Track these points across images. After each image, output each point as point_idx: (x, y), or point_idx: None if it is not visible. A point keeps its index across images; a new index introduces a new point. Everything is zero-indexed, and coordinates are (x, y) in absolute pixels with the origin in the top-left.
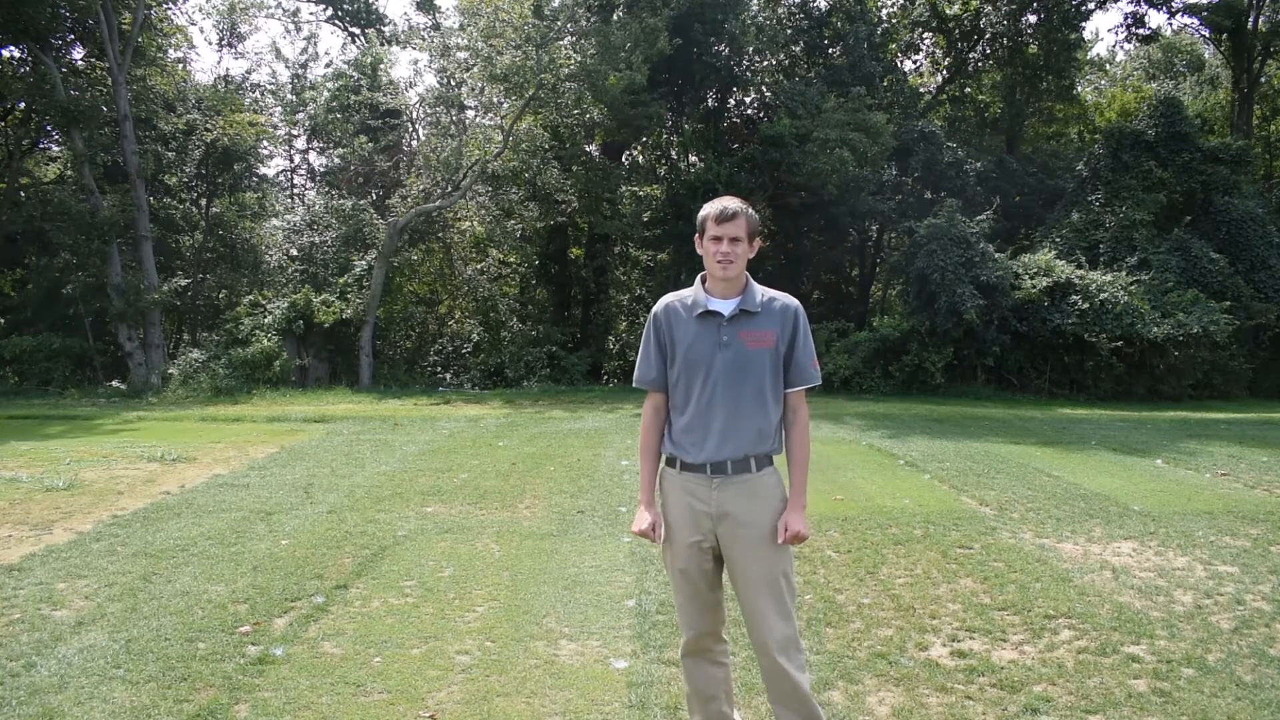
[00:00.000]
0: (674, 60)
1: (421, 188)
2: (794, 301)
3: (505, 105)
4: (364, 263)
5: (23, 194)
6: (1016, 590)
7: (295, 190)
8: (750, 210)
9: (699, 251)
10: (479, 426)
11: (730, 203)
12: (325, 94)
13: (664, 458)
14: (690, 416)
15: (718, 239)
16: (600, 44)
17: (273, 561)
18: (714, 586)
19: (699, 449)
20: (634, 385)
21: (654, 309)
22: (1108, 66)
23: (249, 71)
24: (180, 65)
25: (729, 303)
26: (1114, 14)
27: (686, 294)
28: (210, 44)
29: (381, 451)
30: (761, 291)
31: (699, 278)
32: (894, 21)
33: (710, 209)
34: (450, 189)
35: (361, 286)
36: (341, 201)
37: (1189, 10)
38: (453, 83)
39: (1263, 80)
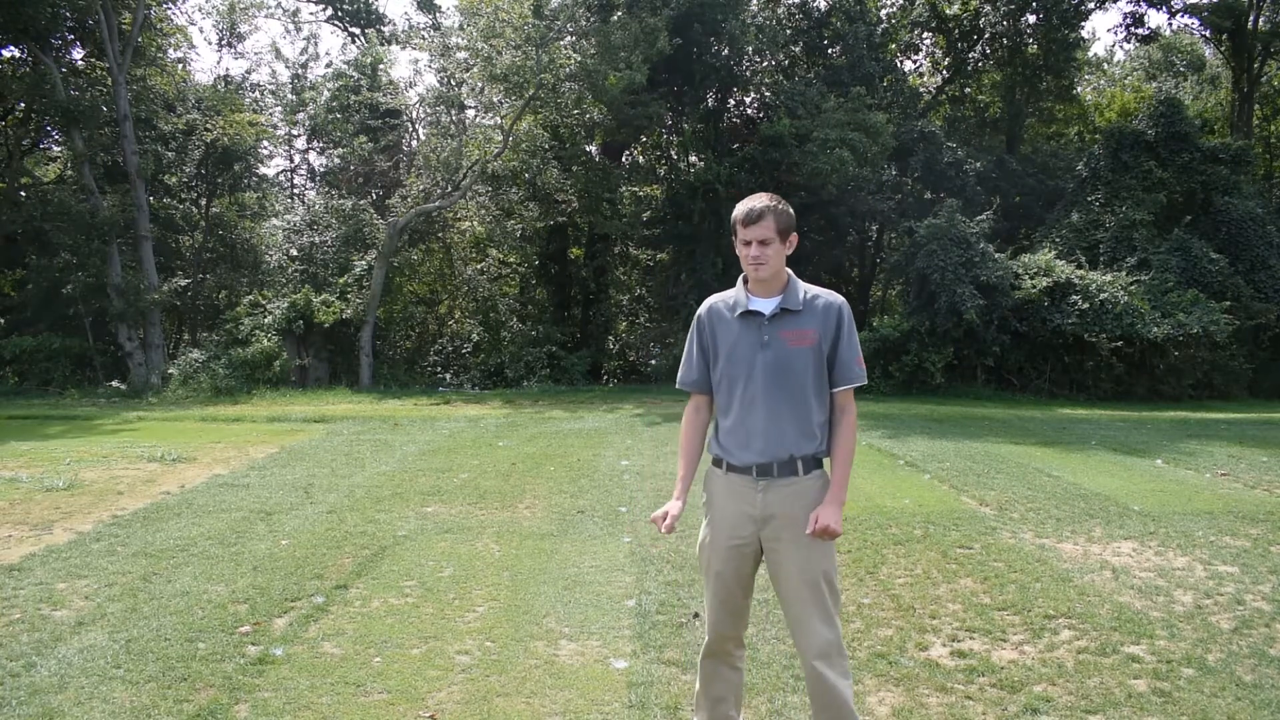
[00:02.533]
0: (674, 60)
1: (421, 188)
2: (838, 299)
3: (505, 105)
4: (364, 263)
5: (23, 194)
6: (1016, 590)
7: (295, 190)
8: (780, 206)
9: (737, 253)
10: (479, 426)
11: (757, 202)
12: (325, 94)
13: (711, 458)
14: (734, 418)
15: (747, 242)
16: (600, 44)
17: (273, 561)
18: (747, 592)
19: (744, 451)
20: (677, 386)
21: (698, 310)
22: (1106, 66)
23: (249, 71)
24: (180, 65)
25: (770, 302)
26: (1113, 14)
27: (729, 294)
28: (210, 44)
29: (381, 451)
30: (805, 289)
31: (741, 278)
32: (894, 22)
33: (738, 211)
34: (450, 189)
35: (361, 286)
36: (341, 201)
37: (1189, 10)
38: (453, 83)
39: (1263, 80)
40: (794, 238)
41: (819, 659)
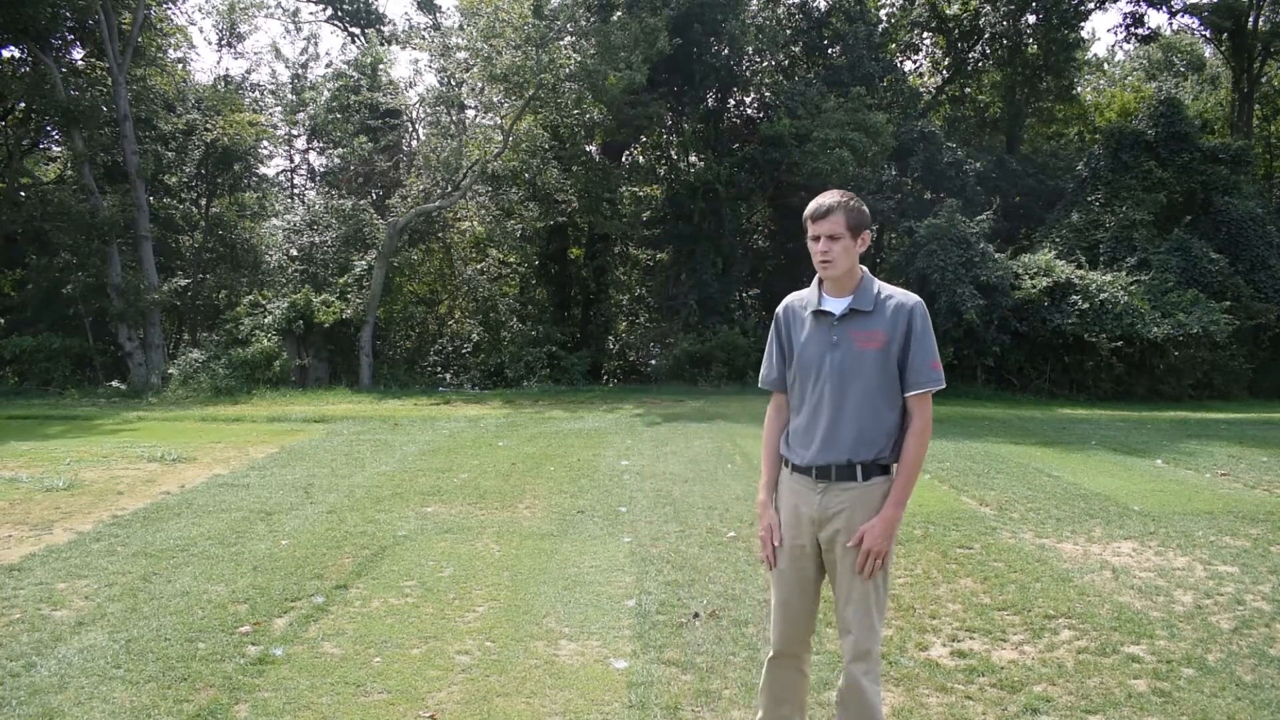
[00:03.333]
0: (674, 60)
1: (421, 188)
2: (911, 299)
3: (505, 105)
4: (364, 263)
5: (23, 194)
6: (1016, 590)
7: (295, 190)
8: (852, 202)
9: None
10: (479, 426)
11: (827, 198)
12: (325, 94)
13: (782, 459)
14: (802, 419)
15: (815, 238)
16: (600, 44)
17: (273, 561)
18: (810, 596)
19: (805, 452)
20: (759, 385)
21: (777, 310)
22: (1106, 66)
23: (249, 71)
24: (180, 65)
25: (841, 301)
26: (1113, 14)
27: (805, 293)
28: (210, 44)
29: (381, 451)
30: (879, 289)
31: (816, 277)
32: (893, 21)
33: (808, 207)
34: (450, 189)
35: (361, 286)
36: (341, 201)
37: (1189, 10)
38: (453, 83)
39: (1263, 80)
40: (866, 235)
41: (854, 662)
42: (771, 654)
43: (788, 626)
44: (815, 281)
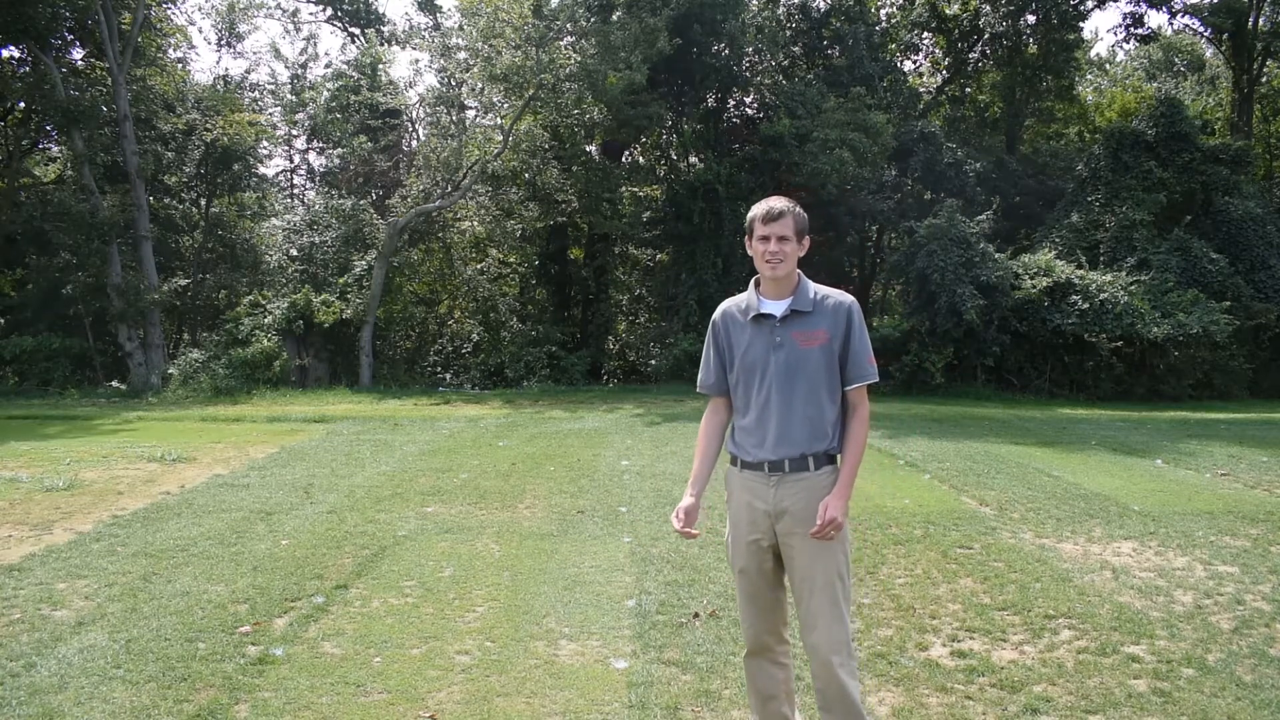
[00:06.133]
0: (674, 60)
1: (421, 188)
2: (847, 298)
3: (505, 105)
4: (364, 263)
5: (23, 194)
6: (1016, 590)
7: (295, 190)
8: (798, 209)
9: (749, 253)
10: (479, 426)
11: (777, 202)
12: (325, 94)
13: (729, 457)
14: (750, 418)
15: (765, 238)
16: (600, 44)
17: (273, 561)
18: (774, 587)
19: (758, 449)
20: (697, 390)
21: (713, 316)
22: (1107, 66)
23: (248, 71)
24: (180, 65)
25: (781, 304)
26: (1113, 14)
27: (741, 298)
28: (209, 44)
29: (381, 451)
30: (815, 290)
31: (753, 281)
32: (893, 22)
33: (757, 209)
34: (450, 189)
35: (361, 286)
36: (341, 201)
37: (1189, 10)
38: (453, 83)
39: (1263, 80)
40: (807, 241)
41: (830, 655)
42: (747, 652)
43: (758, 621)
44: (751, 286)
